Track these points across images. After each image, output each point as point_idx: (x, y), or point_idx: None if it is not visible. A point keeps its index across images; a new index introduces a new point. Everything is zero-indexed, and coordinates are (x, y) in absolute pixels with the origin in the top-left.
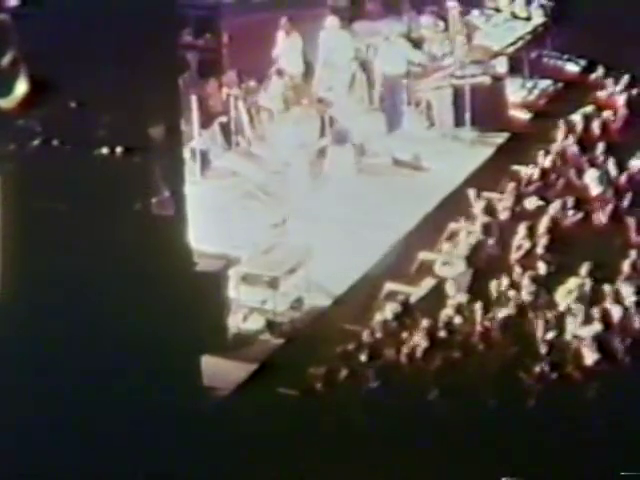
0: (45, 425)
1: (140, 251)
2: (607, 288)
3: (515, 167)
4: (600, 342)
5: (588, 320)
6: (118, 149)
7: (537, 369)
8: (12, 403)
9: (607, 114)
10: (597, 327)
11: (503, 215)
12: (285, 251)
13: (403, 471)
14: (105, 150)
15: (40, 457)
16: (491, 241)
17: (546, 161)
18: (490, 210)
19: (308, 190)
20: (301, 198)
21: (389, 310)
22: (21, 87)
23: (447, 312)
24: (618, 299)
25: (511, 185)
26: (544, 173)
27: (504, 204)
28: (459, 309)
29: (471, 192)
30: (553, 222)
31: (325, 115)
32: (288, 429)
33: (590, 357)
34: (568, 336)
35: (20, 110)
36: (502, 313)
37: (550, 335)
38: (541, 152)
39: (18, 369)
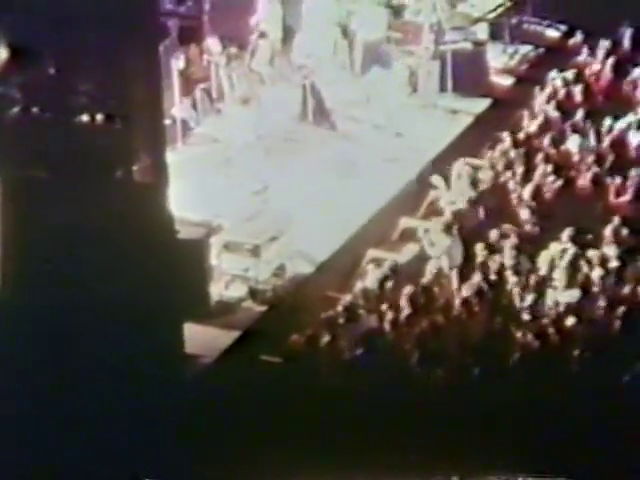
0: (26, 392)
1: (121, 219)
2: (589, 253)
3: (497, 133)
4: (580, 307)
5: (569, 285)
6: (99, 116)
7: (519, 335)
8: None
9: (588, 79)
10: (577, 293)
11: (486, 183)
12: (267, 219)
13: (385, 436)
14: (85, 117)
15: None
16: (474, 209)
17: (529, 127)
18: (473, 177)
19: (290, 157)
20: (283, 165)
21: (372, 277)
22: (0, 54)
23: (426, 279)
24: (600, 264)
25: (493, 151)
26: (527, 139)
27: (487, 172)
28: (438, 276)
29: (455, 160)
30: (536, 188)
31: (306, 82)
32: (271, 395)
33: (570, 321)
34: (549, 302)
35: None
36: (483, 280)
37: (530, 301)
38: (524, 118)
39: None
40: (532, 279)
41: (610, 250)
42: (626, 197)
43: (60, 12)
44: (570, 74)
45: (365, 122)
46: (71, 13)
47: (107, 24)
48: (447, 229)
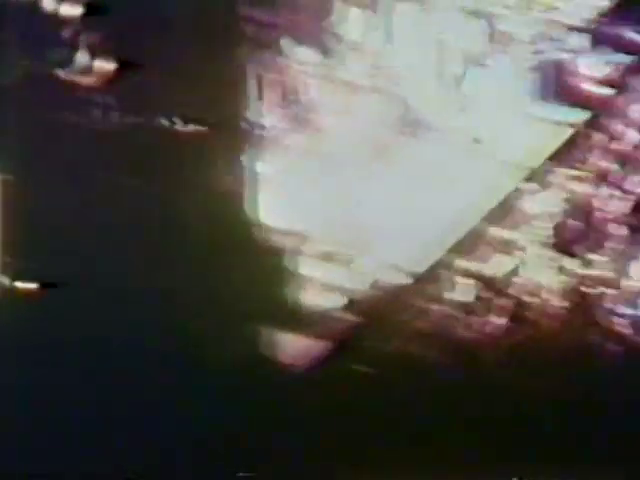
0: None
1: (211, 227)
2: None
3: (594, 144)
4: None
5: None
6: (191, 126)
7: (612, 347)
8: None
9: None
10: None
11: (582, 194)
12: (359, 229)
13: (480, 445)
14: (179, 126)
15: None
16: (568, 221)
17: (628, 138)
18: (568, 189)
19: (382, 168)
20: (374, 176)
21: (463, 288)
22: (101, 64)
23: (519, 291)
24: None
25: (593, 162)
26: (625, 150)
27: (582, 183)
28: (530, 289)
29: (549, 171)
30: (633, 201)
31: (399, 92)
32: (363, 405)
33: None
34: None
35: (98, 86)
36: (576, 292)
37: (626, 312)
38: (622, 128)
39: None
40: (626, 290)
41: None
42: None
43: (153, 23)
44: None
45: (459, 133)
46: (160, 24)
47: (194, 34)
48: (542, 246)
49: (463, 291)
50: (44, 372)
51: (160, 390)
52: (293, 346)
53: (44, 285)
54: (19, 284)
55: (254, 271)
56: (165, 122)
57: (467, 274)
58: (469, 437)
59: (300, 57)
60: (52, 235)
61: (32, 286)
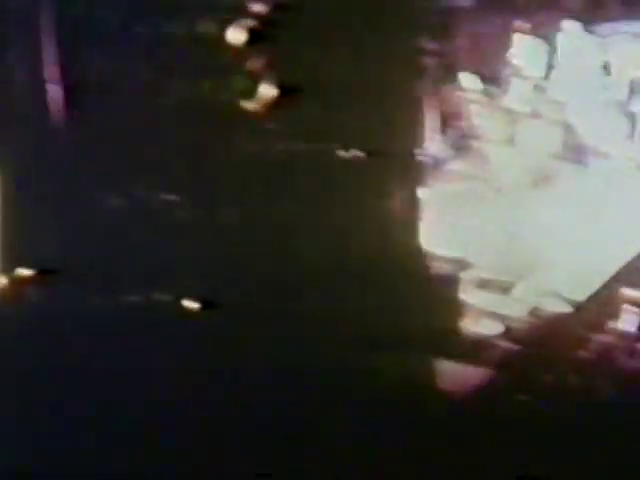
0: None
1: (374, 252)
2: None
3: None
4: None
5: None
6: (357, 152)
7: None
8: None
9: None
10: None
11: None
12: (519, 255)
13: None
14: (344, 152)
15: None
16: None
17: None
18: None
19: (543, 195)
20: (536, 203)
21: (628, 317)
22: (267, 90)
23: None
24: None
25: None
26: None
27: None
28: None
29: None
30: None
31: (564, 119)
32: (521, 435)
33: None
34: None
35: (265, 112)
36: None
37: None
38: None
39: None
40: None
41: None
42: None
43: (322, 50)
44: None
45: (625, 159)
46: (332, 51)
47: (364, 62)
48: None
49: (626, 320)
50: (196, 389)
51: (313, 419)
52: (452, 373)
53: (205, 304)
54: (185, 302)
55: (412, 297)
56: (327, 149)
57: (630, 302)
58: (633, 467)
59: (462, 83)
60: (212, 254)
61: (195, 305)
